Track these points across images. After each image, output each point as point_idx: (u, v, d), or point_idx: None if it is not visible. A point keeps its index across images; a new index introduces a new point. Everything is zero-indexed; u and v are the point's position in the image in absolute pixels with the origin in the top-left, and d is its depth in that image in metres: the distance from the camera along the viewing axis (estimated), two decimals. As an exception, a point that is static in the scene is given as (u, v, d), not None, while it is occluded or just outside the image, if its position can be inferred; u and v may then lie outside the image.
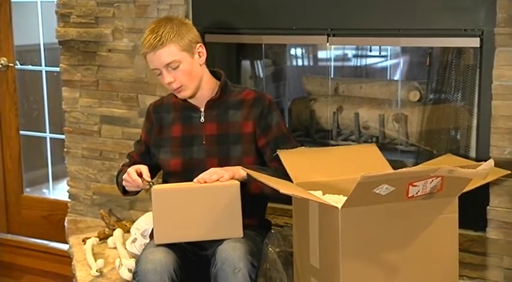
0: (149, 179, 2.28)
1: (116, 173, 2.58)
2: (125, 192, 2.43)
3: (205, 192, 2.18)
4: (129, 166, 2.37)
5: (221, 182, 2.20)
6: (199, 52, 2.35)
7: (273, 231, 2.35)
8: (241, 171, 2.24)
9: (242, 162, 2.31)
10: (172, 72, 2.30)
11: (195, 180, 2.20)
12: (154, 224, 2.21)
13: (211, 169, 2.24)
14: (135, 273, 2.18)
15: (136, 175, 2.27)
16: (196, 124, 2.39)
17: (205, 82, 2.38)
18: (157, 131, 2.45)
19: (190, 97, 2.37)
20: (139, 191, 2.40)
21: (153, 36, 2.27)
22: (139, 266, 2.16)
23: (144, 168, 2.31)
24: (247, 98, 2.39)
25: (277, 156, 2.29)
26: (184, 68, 2.30)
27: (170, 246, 2.20)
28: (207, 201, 2.18)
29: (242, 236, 2.21)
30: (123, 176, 2.33)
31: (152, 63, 2.31)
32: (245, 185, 2.24)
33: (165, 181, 2.46)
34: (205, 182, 2.18)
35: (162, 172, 2.49)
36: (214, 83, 2.41)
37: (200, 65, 2.36)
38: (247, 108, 2.38)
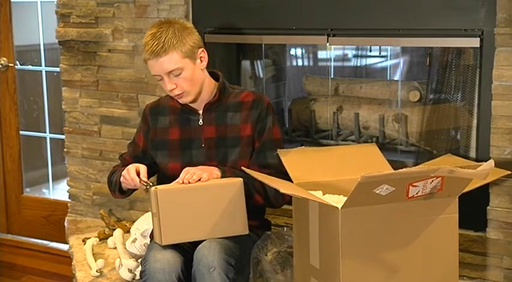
0: (146, 179, 2.25)
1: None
2: (120, 191, 2.39)
3: (210, 190, 2.18)
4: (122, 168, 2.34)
5: (224, 180, 2.21)
6: (201, 57, 2.31)
7: (268, 232, 2.34)
8: (215, 172, 2.24)
9: (237, 165, 2.30)
10: (174, 79, 2.26)
11: (179, 181, 2.19)
12: (161, 225, 2.17)
13: (187, 168, 2.23)
14: (142, 272, 2.17)
15: (135, 173, 2.25)
16: (194, 127, 2.37)
17: (205, 85, 2.36)
18: (153, 133, 2.42)
19: (192, 102, 2.34)
20: (132, 192, 2.40)
21: (155, 42, 2.22)
22: (147, 265, 2.15)
23: (142, 168, 2.28)
24: (246, 100, 2.37)
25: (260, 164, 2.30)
26: (186, 75, 2.26)
27: (175, 246, 2.19)
28: (212, 199, 2.18)
29: (247, 232, 2.21)
30: (122, 173, 2.29)
31: (154, 70, 2.27)
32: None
33: (160, 183, 2.40)
34: (189, 182, 2.17)
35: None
36: (213, 84, 2.39)
37: (201, 69, 2.33)
38: (246, 111, 2.36)
